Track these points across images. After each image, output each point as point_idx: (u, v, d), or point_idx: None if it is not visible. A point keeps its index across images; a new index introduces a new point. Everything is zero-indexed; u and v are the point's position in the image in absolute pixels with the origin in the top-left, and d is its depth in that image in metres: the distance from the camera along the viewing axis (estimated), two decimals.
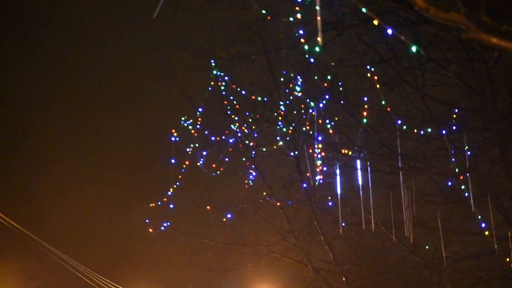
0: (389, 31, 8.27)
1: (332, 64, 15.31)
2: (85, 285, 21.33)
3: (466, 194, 14.67)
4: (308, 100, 16.10)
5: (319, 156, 15.35)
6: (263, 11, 11.88)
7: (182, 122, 17.90)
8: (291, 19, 12.14)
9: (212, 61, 16.70)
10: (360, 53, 14.69)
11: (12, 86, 26.28)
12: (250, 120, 17.50)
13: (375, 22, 8.25)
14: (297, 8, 12.03)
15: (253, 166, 19.15)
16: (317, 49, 12.30)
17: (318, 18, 7.47)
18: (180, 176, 17.72)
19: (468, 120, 15.17)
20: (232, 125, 17.91)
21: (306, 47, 12.66)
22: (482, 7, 5.82)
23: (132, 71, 25.72)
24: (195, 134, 17.96)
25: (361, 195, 15.36)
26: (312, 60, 14.61)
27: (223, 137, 18.01)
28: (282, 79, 16.79)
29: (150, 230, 18.65)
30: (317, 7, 7.35)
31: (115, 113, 26.39)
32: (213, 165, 18.04)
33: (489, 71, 13.56)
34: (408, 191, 15.11)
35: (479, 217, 15.32)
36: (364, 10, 8.62)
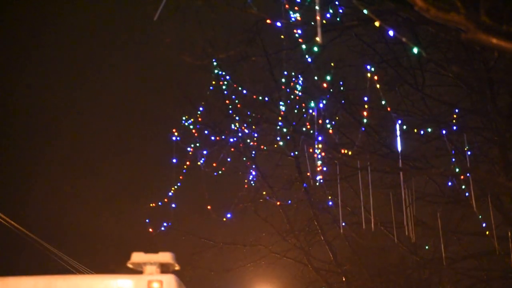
0: (391, 33, 8.28)
1: (332, 64, 15.31)
2: None
3: (467, 194, 14.66)
4: (308, 100, 16.08)
5: (319, 156, 15.33)
6: (262, 14, 11.87)
7: (183, 121, 17.86)
8: (291, 19, 12.13)
9: (213, 60, 16.66)
10: (360, 53, 14.70)
11: (13, 87, 26.31)
12: (250, 119, 17.48)
13: (377, 23, 8.25)
14: (296, 8, 12.02)
15: (253, 166, 19.14)
16: (317, 48, 12.30)
17: (317, 18, 7.48)
18: (181, 176, 17.68)
19: (468, 120, 15.17)
20: (232, 125, 17.90)
21: (305, 44, 12.66)
22: (482, 8, 5.83)
23: (132, 72, 25.73)
24: (196, 134, 17.93)
25: (361, 195, 15.36)
26: (312, 59, 14.59)
27: (224, 137, 18.00)
28: (283, 80, 16.75)
29: (150, 230, 18.61)
30: (317, 7, 7.35)
31: (115, 112, 26.41)
32: (214, 165, 18.02)
33: (489, 71, 13.55)
34: (408, 191, 15.08)
35: (479, 217, 15.32)
36: (365, 11, 8.63)
